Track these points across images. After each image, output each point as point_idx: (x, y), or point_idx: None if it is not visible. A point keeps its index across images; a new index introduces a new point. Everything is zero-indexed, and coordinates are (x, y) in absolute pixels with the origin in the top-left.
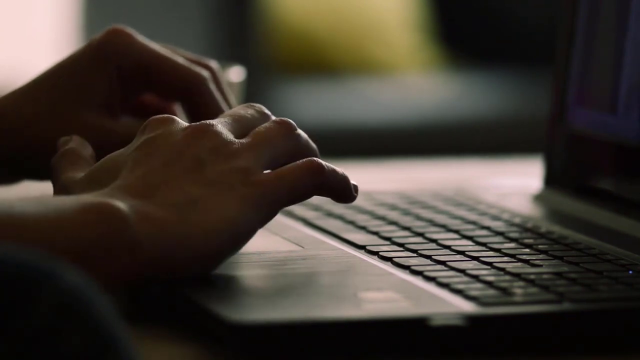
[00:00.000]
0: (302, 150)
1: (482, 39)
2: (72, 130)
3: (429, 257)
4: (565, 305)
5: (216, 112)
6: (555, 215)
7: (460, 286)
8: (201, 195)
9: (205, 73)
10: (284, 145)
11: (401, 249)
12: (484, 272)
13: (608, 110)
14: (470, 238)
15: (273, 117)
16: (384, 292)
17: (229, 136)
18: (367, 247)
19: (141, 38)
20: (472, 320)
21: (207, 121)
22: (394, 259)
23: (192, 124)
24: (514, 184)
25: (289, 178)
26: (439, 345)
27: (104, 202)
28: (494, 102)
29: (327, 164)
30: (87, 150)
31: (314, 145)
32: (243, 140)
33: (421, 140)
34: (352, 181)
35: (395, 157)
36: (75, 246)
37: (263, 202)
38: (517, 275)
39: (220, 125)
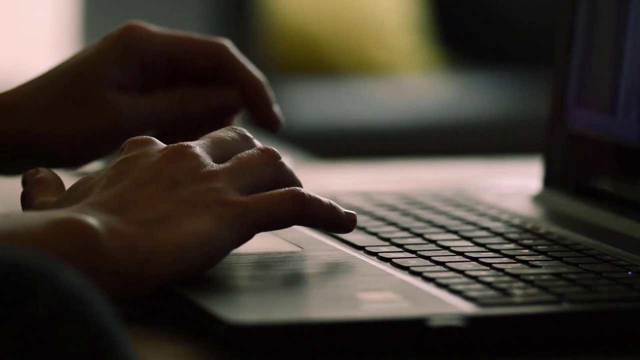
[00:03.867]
0: (285, 180)
1: (481, 40)
2: (92, 112)
3: (428, 257)
4: (565, 306)
5: (247, 76)
6: (554, 215)
7: (459, 287)
8: (173, 213)
9: (225, 42)
10: (264, 173)
11: (400, 249)
12: (483, 273)
13: (607, 110)
14: (469, 239)
15: (256, 142)
16: (384, 293)
17: (207, 159)
18: (367, 248)
19: (156, 28)
20: (471, 321)
21: (186, 143)
22: (393, 259)
23: (170, 145)
24: (514, 184)
25: (268, 203)
26: (439, 345)
27: (73, 217)
28: (494, 103)
29: (310, 193)
30: (57, 179)
31: (297, 177)
32: (222, 165)
33: (421, 140)
34: (349, 210)
35: (395, 157)
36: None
37: (238, 222)
38: (517, 276)
39: (198, 148)
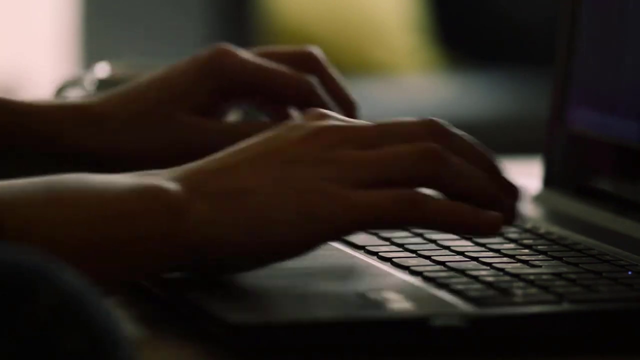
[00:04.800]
0: (445, 181)
1: (481, 40)
2: (165, 131)
3: (428, 257)
4: (565, 306)
5: None
6: (554, 215)
7: (459, 287)
8: (263, 191)
9: (312, 79)
10: (409, 171)
11: (401, 249)
12: (484, 273)
13: (608, 110)
14: (469, 238)
15: (455, 134)
16: (384, 293)
17: (348, 142)
18: (367, 248)
19: (245, 54)
20: (471, 320)
21: (350, 125)
22: (393, 259)
23: (332, 125)
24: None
25: (375, 206)
26: (439, 345)
27: (155, 185)
28: (494, 103)
29: (433, 197)
30: None
31: (468, 173)
32: (359, 152)
33: None
34: (490, 213)
35: None
36: (125, 225)
37: (327, 219)
38: (517, 276)
39: (351, 132)
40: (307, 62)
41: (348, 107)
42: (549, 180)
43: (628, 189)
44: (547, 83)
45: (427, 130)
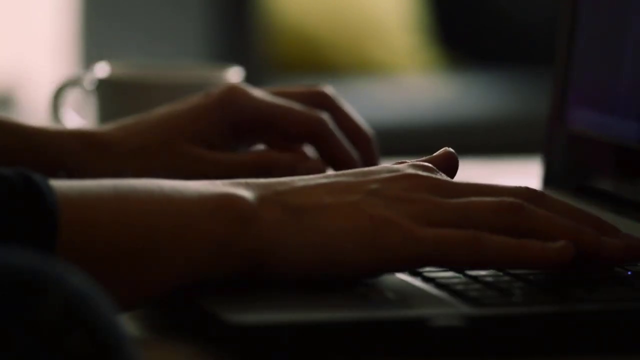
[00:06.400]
0: (528, 233)
1: (481, 40)
2: (165, 161)
3: None
4: (565, 306)
5: (341, 153)
6: None
7: (459, 287)
8: (341, 214)
9: (324, 116)
10: (493, 221)
11: None
12: (483, 273)
13: (608, 110)
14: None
15: (555, 199)
16: (384, 293)
17: (432, 190)
18: None
19: (257, 93)
20: (471, 321)
21: (443, 179)
22: None
23: (421, 174)
24: (514, 184)
25: (438, 241)
26: (439, 346)
27: (230, 192)
28: (494, 103)
29: (493, 238)
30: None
31: (555, 223)
32: (447, 199)
33: (421, 140)
34: (554, 245)
35: (395, 157)
36: (190, 229)
37: (390, 248)
38: (516, 276)
39: (444, 183)
40: (319, 101)
41: (364, 142)
42: (549, 180)
43: (628, 189)
44: (547, 83)
45: (521, 195)
